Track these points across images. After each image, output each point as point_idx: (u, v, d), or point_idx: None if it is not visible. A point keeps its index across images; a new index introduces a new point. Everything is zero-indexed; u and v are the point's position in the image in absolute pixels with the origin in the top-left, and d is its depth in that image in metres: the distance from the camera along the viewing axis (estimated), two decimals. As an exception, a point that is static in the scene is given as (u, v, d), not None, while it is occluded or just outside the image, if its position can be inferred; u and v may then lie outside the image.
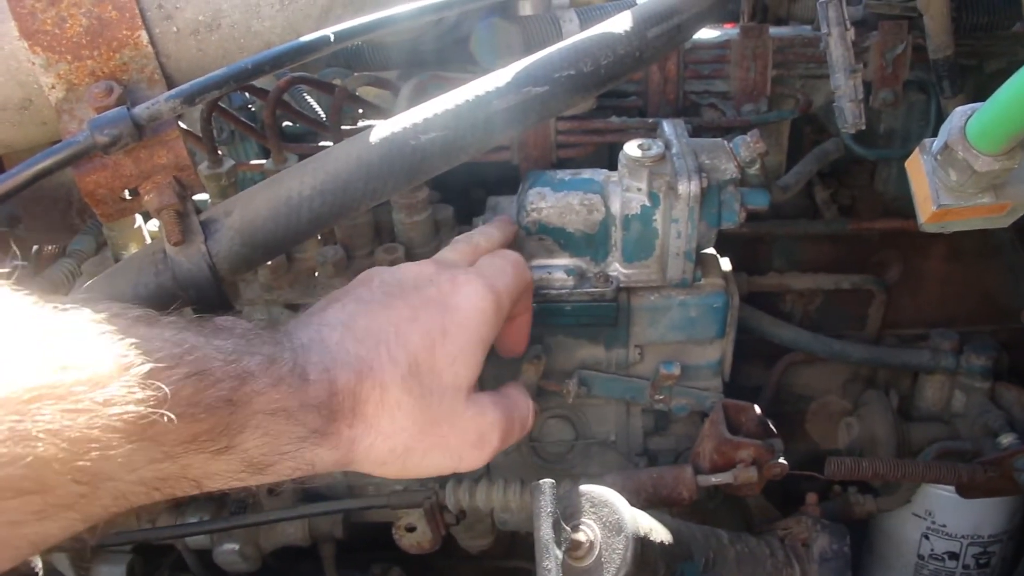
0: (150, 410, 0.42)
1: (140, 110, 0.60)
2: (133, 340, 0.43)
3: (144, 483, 0.45)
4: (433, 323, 0.60)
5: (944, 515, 1.16)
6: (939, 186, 0.65)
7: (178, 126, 0.64)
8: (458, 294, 0.63)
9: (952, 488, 1.05)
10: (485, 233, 0.79)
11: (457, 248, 0.75)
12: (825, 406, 1.28)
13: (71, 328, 0.42)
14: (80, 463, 0.40)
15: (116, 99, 0.61)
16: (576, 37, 0.73)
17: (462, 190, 1.13)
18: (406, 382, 0.57)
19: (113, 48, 0.62)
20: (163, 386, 0.43)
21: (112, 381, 0.41)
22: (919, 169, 0.67)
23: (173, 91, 0.60)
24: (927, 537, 1.18)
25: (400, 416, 0.57)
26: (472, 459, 0.63)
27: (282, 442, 0.50)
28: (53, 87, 0.63)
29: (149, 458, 0.43)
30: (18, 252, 1.42)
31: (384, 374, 0.57)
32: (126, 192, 0.66)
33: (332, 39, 0.64)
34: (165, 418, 0.43)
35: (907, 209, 0.72)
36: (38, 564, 0.75)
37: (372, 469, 0.59)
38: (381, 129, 0.67)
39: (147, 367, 0.43)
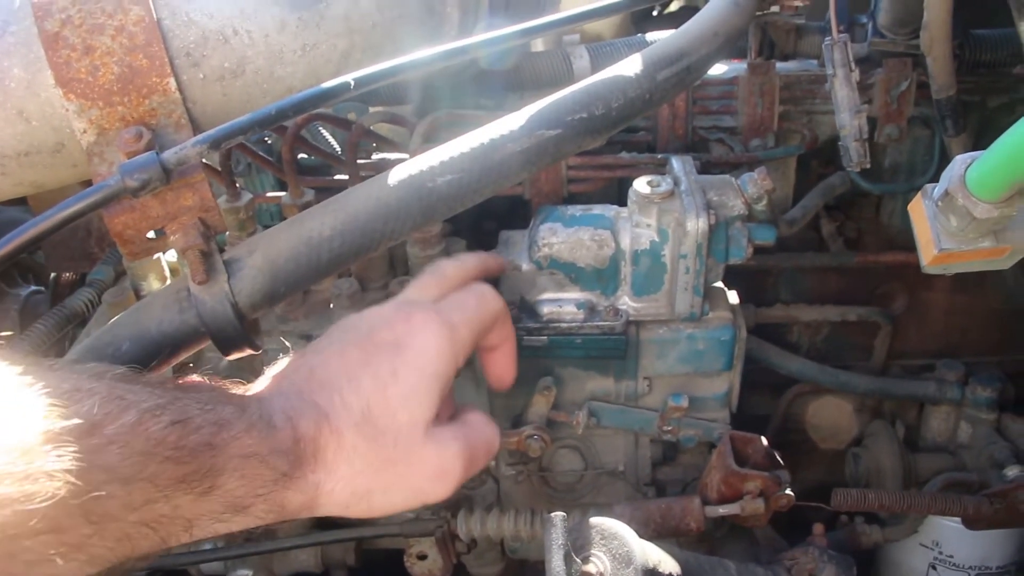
0: (141, 454, 0.48)
1: (169, 155, 0.62)
2: (123, 393, 0.49)
3: (144, 523, 0.49)
4: (383, 366, 0.63)
5: (951, 546, 1.17)
6: (940, 231, 0.67)
7: (204, 169, 0.66)
8: (411, 333, 0.65)
9: (959, 519, 1.06)
10: (456, 263, 0.79)
11: (423, 283, 0.75)
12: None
13: (67, 382, 0.48)
14: (88, 500, 0.44)
15: (145, 144, 0.63)
16: (587, 80, 0.75)
17: (473, 223, 1.15)
18: (360, 427, 0.60)
19: (143, 95, 0.65)
20: (153, 431, 0.49)
21: (106, 427, 0.47)
22: (921, 213, 0.69)
23: (200, 136, 0.62)
24: (935, 567, 1.18)
25: (357, 460, 0.60)
26: (436, 492, 0.65)
27: (257, 484, 0.54)
28: (85, 132, 0.65)
29: (146, 498, 0.48)
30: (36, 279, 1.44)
31: (339, 421, 0.60)
32: (151, 232, 0.68)
33: (352, 85, 0.66)
34: (157, 460, 0.48)
35: (912, 242, 0.74)
36: None
37: (338, 511, 0.62)
38: (399, 171, 0.69)
39: (135, 416, 0.48)
